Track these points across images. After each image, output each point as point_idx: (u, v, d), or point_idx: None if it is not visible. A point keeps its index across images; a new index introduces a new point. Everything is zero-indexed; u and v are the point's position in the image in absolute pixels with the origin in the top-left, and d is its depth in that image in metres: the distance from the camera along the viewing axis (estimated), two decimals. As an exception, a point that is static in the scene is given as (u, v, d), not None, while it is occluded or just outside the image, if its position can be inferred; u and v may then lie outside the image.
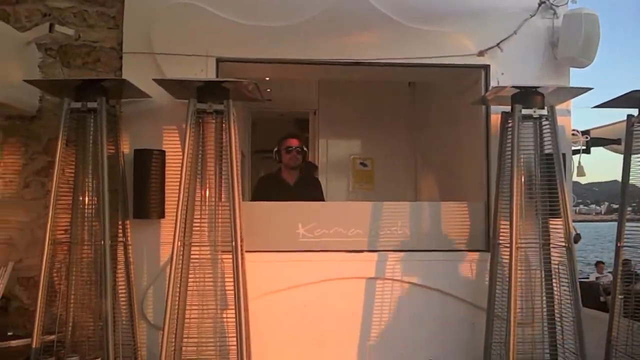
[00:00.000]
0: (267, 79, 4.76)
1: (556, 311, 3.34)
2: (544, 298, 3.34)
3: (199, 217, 3.23)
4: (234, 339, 3.06)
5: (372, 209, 3.69)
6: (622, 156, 3.40)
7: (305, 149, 4.31)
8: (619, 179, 3.43)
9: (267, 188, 4.32)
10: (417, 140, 5.64)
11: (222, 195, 3.27)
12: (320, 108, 5.77)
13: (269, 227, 3.59)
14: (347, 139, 5.71)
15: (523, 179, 3.32)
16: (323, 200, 4.38)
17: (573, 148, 3.96)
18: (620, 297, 3.39)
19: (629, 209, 3.38)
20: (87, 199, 3.17)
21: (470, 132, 4.00)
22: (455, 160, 4.52)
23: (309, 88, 5.75)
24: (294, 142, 4.24)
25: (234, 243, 3.11)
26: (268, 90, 5.96)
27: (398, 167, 5.61)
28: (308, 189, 4.28)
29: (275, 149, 4.32)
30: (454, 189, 4.55)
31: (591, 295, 6.76)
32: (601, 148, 6.23)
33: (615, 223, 3.39)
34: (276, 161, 4.32)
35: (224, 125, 3.26)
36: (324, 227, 3.60)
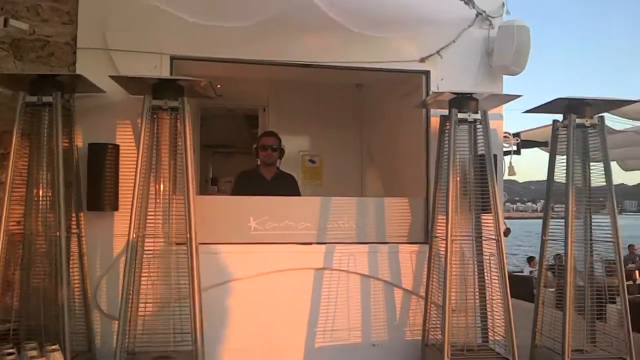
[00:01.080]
0: (219, 86, 4.87)
1: (487, 299, 3.64)
2: (477, 287, 3.63)
3: (152, 210, 3.34)
4: (188, 327, 3.19)
5: (320, 204, 3.90)
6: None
7: (282, 146, 4.48)
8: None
9: (246, 182, 4.47)
10: (364, 139, 5.86)
11: (175, 189, 3.38)
12: (270, 105, 5.90)
13: (222, 220, 3.74)
14: (296, 135, 5.85)
15: (458, 178, 3.60)
16: (299, 194, 4.53)
17: (505, 149, 4.30)
18: (551, 290, 3.72)
19: (557, 206, 3.71)
20: (41, 191, 3.23)
21: (412, 133, 4.26)
22: (399, 159, 4.78)
23: (259, 85, 5.86)
24: (268, 141, 4.42)
25: (188, 235, 3.24)
26: (218, 86, 5.99)
27: (346, 163, 5.82)
28: (284, 184, 4.45)
29: (255, 145, 4.50)
30: (397, 186, 4.81)
31: (525, 288, 7.15)
32: (537, 149, 6.66)
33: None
34: (254, 157, 4.49)
35: (178, 121, 3.38)
36: (274, 220, 3.78)
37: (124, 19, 3.64)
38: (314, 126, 5.77)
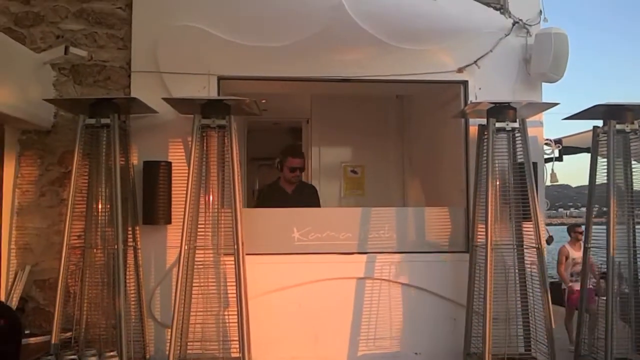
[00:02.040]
0: (263, 100, 5.01)
1: (529, 307, 3.64)
2: (518, 296, 3.63)
3: (203, 222, 3.52)
4: (236, 335, 3.34)
5: (361, 214, 3.98)
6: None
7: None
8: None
9: (268, 197, 4.60)
10: (405, 149, 5.91)
11: (224, 202, 3.55)
12: (312, 117, 6.03)
13: (267, 231, 3.87)
14: (338, 146, 5.96)
15: (498, 186, 3.62)
16: (319, 206, 4.61)
17: (546, 156, 4.29)
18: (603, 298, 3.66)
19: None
20: (100, 207, 3.45)
21: (452, 142, 4.30)
22: (439, 168, 4.81)
23: (303, 99, 6.00)
24: (297, 162, 4.51)
25: (235, 246, 3.39)
26: (263, 100, 6.18)
27: (387, 174, 5.88)
28: (305, 195, 4.53)
29: (278, 159, 4.60)
30: (437, 195, 4.84)
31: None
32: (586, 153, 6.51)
33: (603, 226, 3.59)
34: (277, 170, 4.61)
35: (225, 138, 3.55)
36: (317, 231, 3.88)
37: (173, 43, 3.83)
38: (356, 137, 5.85)
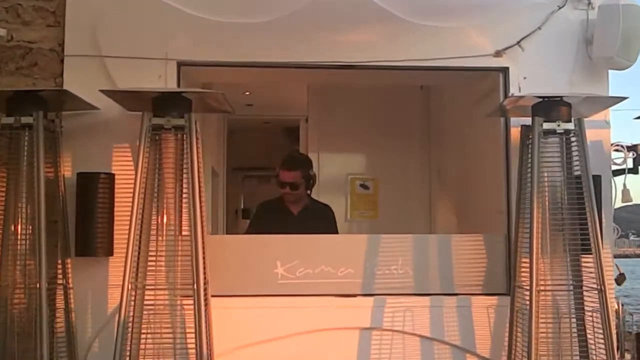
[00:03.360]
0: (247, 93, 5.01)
1: (592, 368, 3.52)
2: (575, 354, 3.52)
3: (154, 254, 3.45)
4: (197, 402, 3.26)
5: (367, 244, 3.91)
6: None
7: (311, 174, 4.63)
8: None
9: (266, 218, 4.64)
10: (432, 157, 5.90)
11: (183, 227, 3.49)
12: (311, 115, 6.05)
13: (241, 265, 3.81)
14: (344, 153, 5.96)
15: (547, 207, 3.53)
16: (335, 231, 4.64)
17: (615, 167, 4.18)
18: None
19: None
20: (19, 231, 3.39)
21: (488, 149, 4.24)
22: (473, 183, 4.76)
23: (298, 91, 6.00)
24: (287, 177, 4.54)
25: (195, 286, 3.32)
26: (246, 93, 6.25)
27: (408, 189, 5.87)
28: (315, 219, 4.57)
29: (275, 172, 4.67)
30: (470, 218, 4.78)
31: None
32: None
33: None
34: (277, 179, 4.64)
35: (185, 143, 3.49)
36: (307, 265, 3.81)
37: (120, 19, 3.80)
38: (367, 141, 5.85)
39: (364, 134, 5.82)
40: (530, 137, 3.57)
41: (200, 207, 3.46)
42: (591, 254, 3.48)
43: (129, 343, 3.36)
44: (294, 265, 3.82)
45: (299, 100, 6.06)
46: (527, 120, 3.66)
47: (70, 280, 3.54)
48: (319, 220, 4.55)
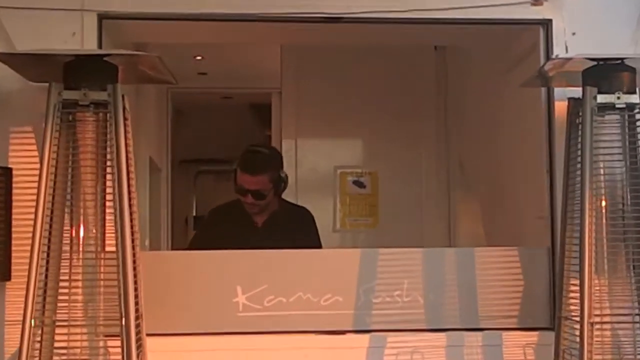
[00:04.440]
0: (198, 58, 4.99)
1: None
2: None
3: (67, 278, 3.41)
4: None
5: (361, 261, 3.91)
6: None
7: (281, 174, 4.71)
8: None
9: (218, 230, 4.72)
10: (451, 143, 5.94)
11: (107, 242, 3.46)
12: (286, 87, 6.07)
13: (188, 292, 3.80)
14: (331, 139, 6.03)
15: (605, 209, 3.53)
16: (317, 245, 4.69)
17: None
18: None
19: None
20: None
21: (526, 132, 4.27)
22: (506, 179, 4.79)
23: (269, 55, 6.00)
24: (249, 182, 4.59)
25: (124, 321, 3.28)
26: (198, 58, 6.22)
27: (419, 188, 5.92)
28: (287, 229, 4.63)
29: (234, 167, 4.72)
30: (504, 225, 4.81)
31: None
32: None
33: None
34: (234, 183, 4.69)
35: (109, 125, 3.46)
36: (279, 292, 3.80)
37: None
38: (363, 122, 5.90)
39: (359, 113, 5.87)
40: (581, 114, 3.57)
41: (131, 213, 3.40)
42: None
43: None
44: (260, 291, 3.80)
45: (270, 67, 6.08)
46: (577, 92, 3.66)
47: (-50, 315, 3.52)
48: (293, 231, 4.61)
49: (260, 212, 4.68)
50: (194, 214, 7.93)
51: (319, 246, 4.74)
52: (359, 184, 5.93)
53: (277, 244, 4.25)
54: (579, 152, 3.55)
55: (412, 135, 5.90)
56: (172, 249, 6.40)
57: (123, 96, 3.43)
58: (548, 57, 3.96)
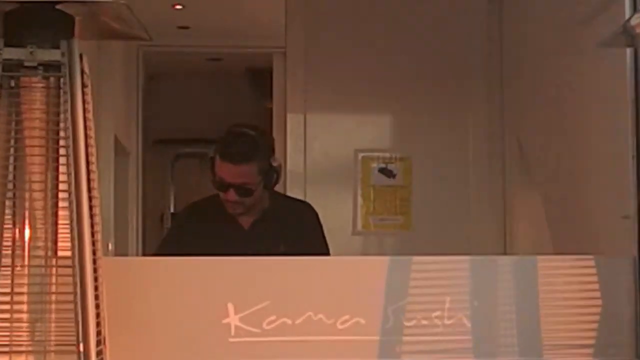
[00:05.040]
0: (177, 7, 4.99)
1: None
2: None
3: (8, 291, 3.41)
4: None
5: (388, 272, 3.92)
6: None
7: (273, 163, 4.71)
8: None
9: (194, 232, 4.76)
10: (506, 120, 5.96)
11: (59, 244, 3.47)
12: (292, 46, 6.08)
13: (165, 312, 3.82)
14: (351, 114, 6.05)
15: None
16: (325, 252, 4.74)
17: None
18: None
19: None
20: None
21: (605, 105, 4.27)
22: (579, 167, 4.81)
23: (270, 2, 5.99)
24: (231, 175, 4.60)
25: (82, 347, 3.29)
26: (177, 7, 6.20)
27: (466, 178, 5.96)
28: (283, 232, 4.71)
29: (210, 154, 4.75)
30: (577, 227, 4.80)
31: None
32: None
33: None
34: (211, 174, 4.72)
35: (62, 93, 3.47)
36: (282, 311, 3.80)
37: None
38: (392, 93, 5.94)
39: (387, 79, 5.90)
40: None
41: (91, 208, 3.42)
42: None
43: None
44: (258, 311, 3.80)
45: (272, 19, 6.10)
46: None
47: None
48: (290, 233, 4.67)
49: (246, 212, 4.70)
50: (172, 209, 7.92)
51: (327, 253, 4.75)
52: (387, 172, 5.95)
53: (269, 251, 4.37)
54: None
55: (456, 109, 5.94)
56: (144, 254, 6.40)
57: (81, 55, 3.43)
58: (635, 8, 3.95)
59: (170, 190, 7.84)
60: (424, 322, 3.86)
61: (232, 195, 4.58)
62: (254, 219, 4.71)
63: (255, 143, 4.71)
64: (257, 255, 4.10)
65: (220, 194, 4.63)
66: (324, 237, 4.83)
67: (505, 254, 5.52)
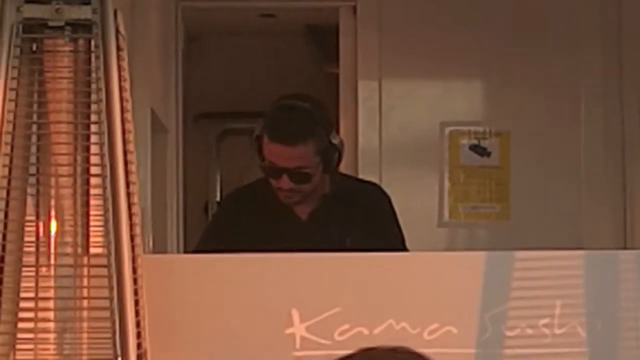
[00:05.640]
0: None
1: None
2: None
3: (32, 295, 3.48)
4: None
5: (485, 272, 3.93)
6: None
7: (333, 141, 4.70)
8: None
9: (240, 225, 4.79)
10: (627, 88, 5.93)
11: (92, 241, 3.52)
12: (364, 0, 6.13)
13: (216, 319, 3.87)
14: (435, 80, 6.09)
15: None
16: (400, 244, 4.78)
17: None
18: None
19: None
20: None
21: None
22: None
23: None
24: (283, 156, 4.60)
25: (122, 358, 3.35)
26: None
27: (575, 157, 5.96)
28: (349, 220, 4.73)
29: (255, 134, 4.76)
30: None
31: None
32: None
33: None
34: (258, 158, 4.77)
35: (93, 59, 3.51)
36: (357, 319, 3.84)
37: None
38: (485, 55, 5.97)
39: (479, 39, 5.94)
40: None
41: (129, 197, 3.48)
42: None
43: None
44: (328, 318, 3.85)
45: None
46: None
47: None
48: (357, 222, 4.70)
49: (302, 200, 4.73)
50: (218, 196, 7.94)
51: (402, 247, 4.77)
52: (480, 150, 5.97)
53: (333, 245, 4.38)
54: None
55: (565, 75, 5.92)
56: (186, 251, 6.44)
57: (116, 12, 3.48)
58: None
59: (216, 173, 7.88)
60: (529, 331, 3.89)
61: (285, 182, 4.59)
62: (312, 208, 4.74)
63: (311, 117, 4.70)
64: (317, 251, 4.12)
65: (272, 181, 4.66)
66: (398, 225, 4.84)
67: (625, 248, 5.48)
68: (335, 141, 4.66)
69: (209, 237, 4.90)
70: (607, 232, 5.73)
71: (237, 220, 4.85)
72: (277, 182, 4.60)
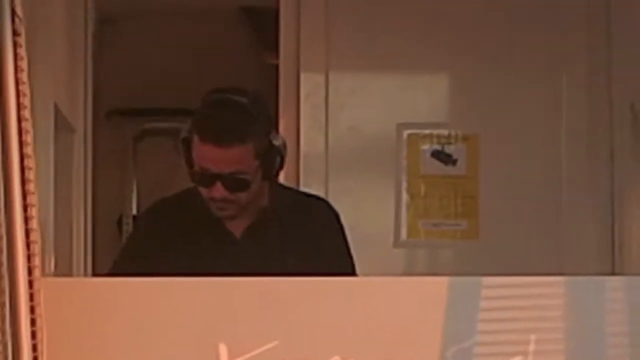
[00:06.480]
0: None
1: None
2: None
3: None
4: None
5: (448, 299, 3.94)
6: None
7: (274, 142, 4.74)
8: None
9: (164, 242, 4.82)
10: (615, 80, 5.99)
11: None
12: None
13: (129, 354, 3.86)
14: (392, 73, 6.11)
15: None
16: (349, 268, 4.82)
17: None
18: None
19: None
20: None
21: None
22: None
23: None
24: (215, 159, 4.61)
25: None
26: None
27: (556, 163, 6.00)
28: (292, 245, 4.76)
29: (182, 135, 4.79)
30: None
31: None
32: None
33: None
34: (186, 163, 4.81)
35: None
36: (296, 354, 3.86)
37: None
38: (450, 44, 6.00)
39: (442, 26, 5.98)
40: None
41: (25, 210, 3.48)
42: None
43: None
44: (262, 354, 3.86)
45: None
46: None
47: None
48: (302, 240, 4.74)
49: (237, 213, 4.75)
50: (134, 209, 7.96)
51: (352, 271, 4.80)
52: (443, 157, 6.00)
53: (271, 269, 4.39)
54: None
55: (543, 66, 5.95)
56: (94, 274, 6.43)
57: (12, -7, 3.50)
58: None
59: (132, 182, 7.88)
60: (499, 366, 3.93)
61: (219, 190, 4.59)
62: (248, 224, 4.76)
63: (248, 114, 4.70)
64: (253, 274, 4.10)
65: (202, 189, 4.67)
66: (347, 246, 4.85)
67: (613, 273, 5.54)
68: (276, 142, 4.70)
69: (125, 258, 4.88)
70: (592, 254, 5.76)
71: (158, 238, 4.85)
72: (209, 191, 4.61)
